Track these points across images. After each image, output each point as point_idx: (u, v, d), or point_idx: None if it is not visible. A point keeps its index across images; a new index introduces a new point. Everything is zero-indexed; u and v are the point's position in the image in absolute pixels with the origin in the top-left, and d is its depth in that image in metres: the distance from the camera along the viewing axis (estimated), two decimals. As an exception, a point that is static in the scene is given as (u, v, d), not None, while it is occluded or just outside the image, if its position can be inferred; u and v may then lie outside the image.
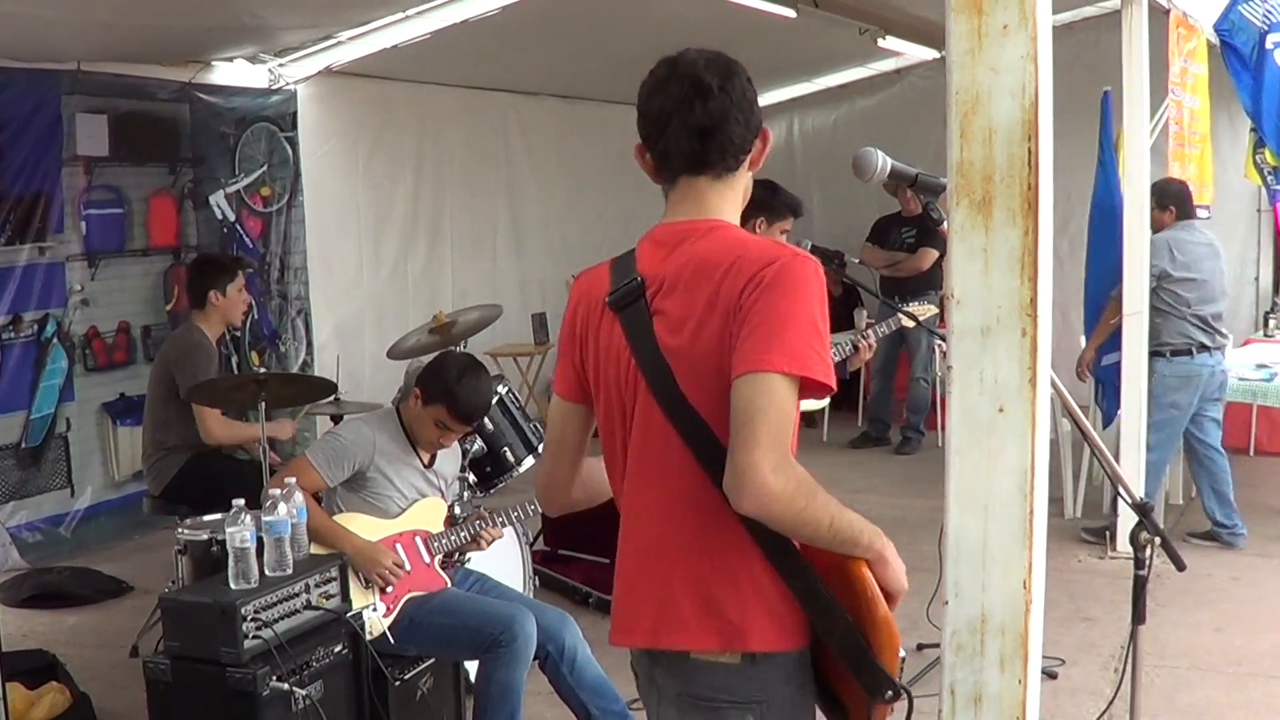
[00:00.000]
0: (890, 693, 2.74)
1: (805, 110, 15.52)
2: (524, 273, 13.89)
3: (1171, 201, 8.66)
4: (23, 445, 8.97)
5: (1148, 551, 3.75)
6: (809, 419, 12.11)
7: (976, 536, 2.49)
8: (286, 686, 4.62)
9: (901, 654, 2.76)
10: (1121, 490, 3.77)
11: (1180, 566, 3.84)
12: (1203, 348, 8.51)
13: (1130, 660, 3.88)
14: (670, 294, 2.83)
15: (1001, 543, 2.47)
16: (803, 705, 2.87)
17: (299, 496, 5.02)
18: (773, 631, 2.77)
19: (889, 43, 11.78)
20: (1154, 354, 8.46)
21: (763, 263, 2.71)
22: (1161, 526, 8.23)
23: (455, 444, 5.85)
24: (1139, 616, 3.78)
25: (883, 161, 3.43)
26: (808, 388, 2.66)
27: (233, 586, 4.70)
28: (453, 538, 5.56)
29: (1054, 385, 3.66)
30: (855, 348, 6.72)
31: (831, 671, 2.87)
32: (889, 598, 2.76)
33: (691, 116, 2.87)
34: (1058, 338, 10.49)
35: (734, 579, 2.76)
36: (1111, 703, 4.77)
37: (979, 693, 2.54)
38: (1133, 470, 8.13)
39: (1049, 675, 6.37)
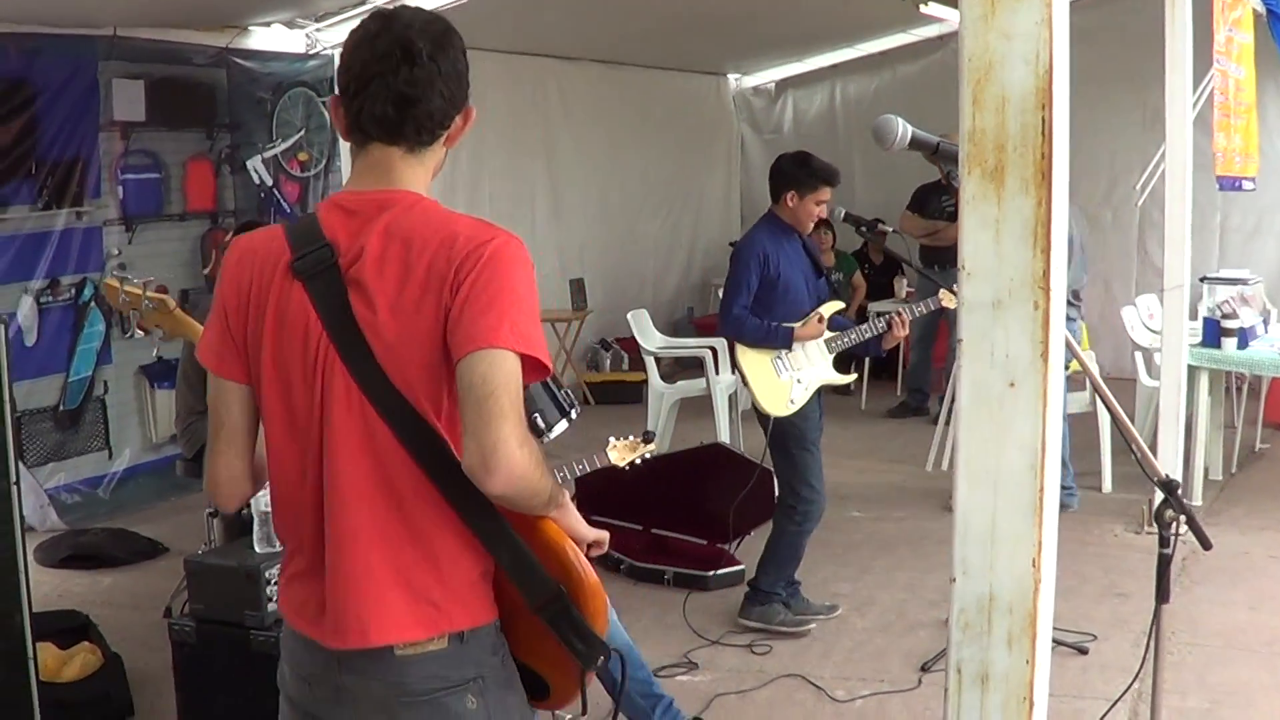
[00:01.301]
0: (603, 658, 2.74)
1: (847, 77, 15.44)
2: (562, 237, 13.89)
3: None
4: (61, 408, 9.03)
5: (1173, 530, 3.68)
6: (843, 389, 12.07)
7: (985, 513, 2.45)
8: (309, 651, 4.62)
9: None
10: (1146, 467, 3.71)
11: (1206, 546, 3.79)
12: (1069, 320, 8.54)
13: (1154, 639, 3.83)
14: (370, 266, 2.65)
15: (1011, 520, 2.43)
16: (513, 673, 2.84)
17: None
18: (474, 607, 2.73)
19: (931, 8, 11.68)
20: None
21: (478, 240, 2.61)
22: (1199, 504, 8.20)
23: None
24: (1163, 595, 3.73)
25: (903, 129, 3.38)
26: (527, 368, 2.58)
27: (257, 550, 4.70)
28: (481, 505, 5.52)
29: (1078, 358, 3.61)
30: (889, 324, 6.70)
31: (524, 648, 2.85)
32: (579, 544, 2.82)
33: (394, 81, 2.67)
34: (1100, 308, 10.53)
35: (435, 561, 2.68)
36: (1135, 679, 4.72)
37: (986, 671, 2.50)
38: (1170, 444, 8.06)
39: (1080, 650, 6.33)
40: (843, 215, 6.67)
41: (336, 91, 2.78)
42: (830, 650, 6.61)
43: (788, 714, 5.90)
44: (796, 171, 6.66)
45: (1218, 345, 8.79)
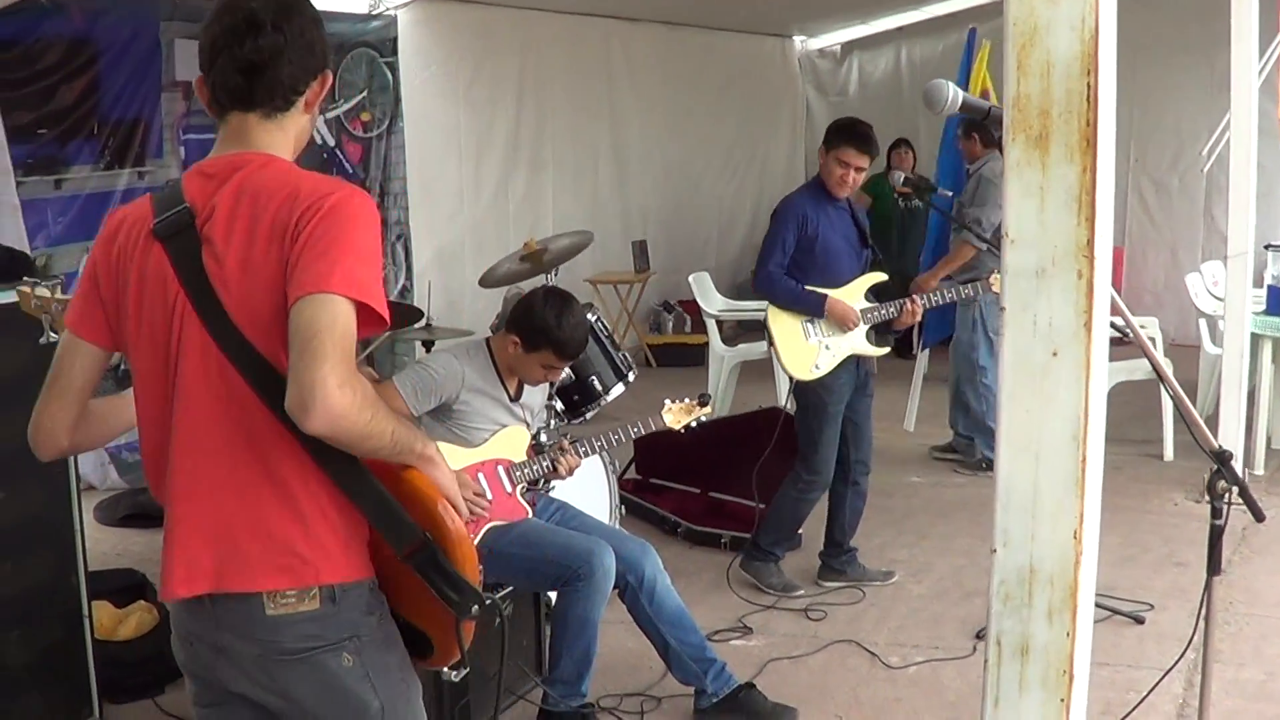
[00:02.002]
0: (477, 607, 2.77)
1: (913, 39, 15.34)
2: (625, 200, 13.89)
3: (975, 129, 8.74)
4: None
5: (1225, 500, 3.64)
6: (901, 351, 11.97)
7: (1027, 484, 2.42)
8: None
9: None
10: (1198, 437, 3.66)
11: (1259, 517, 3.74)
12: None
13: (1205, 610, 3.79)
14: (220, 224, 2.73)
15: (1053, 491, 2.40)
16: (391, 633, 2.90)
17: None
18: (343, 564, 2.77)
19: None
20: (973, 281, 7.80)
21: (321, 193, 2.69)
22: (1261, 473, 8.11)
23: (544, 375, 5.82)
24: (1215, 567, 3.68)
25: (953, 93, 3.33)
26: (365, 320, 2.64)
27: (307, 512, 4.71)
28: (534, 467, 5.52)
29: (1130, 325, 3.57)
30: (900, 309, 6.66)
31: (405, 606, 2.91)
32: (450, 500, 2.84)
33: (240, 51, 2.78)
34: (1166, 274, 10.50)
35: (297, 511, 2.73)
36: (1187, 649, 4.67)
37: (1026, 644, 2.47)
38: (1233, 410, 7.99)
39: (1136, 620, 6.27)
40: (901, 180, 6.62)
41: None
42: (885, 616, 6.59)
43: (841, 679, 5.89)
44: (828, 129, 6.67)
45: (1281, 313, 8.70)
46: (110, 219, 2.98)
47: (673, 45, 14.06)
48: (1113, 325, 3.67)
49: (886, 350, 6.96)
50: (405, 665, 2.94)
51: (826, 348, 6.63)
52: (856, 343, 6.69)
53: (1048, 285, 2.36)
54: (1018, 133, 2.36)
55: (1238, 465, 8.04)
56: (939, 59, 14.83)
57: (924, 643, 6.23)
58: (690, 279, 11.51)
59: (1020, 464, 2.43)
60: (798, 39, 16.06)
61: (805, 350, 6.63)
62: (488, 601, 2.80)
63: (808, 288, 6.60)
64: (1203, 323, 9.99)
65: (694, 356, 12.83)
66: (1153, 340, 9.20)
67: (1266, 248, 9.58)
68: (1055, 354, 2.37)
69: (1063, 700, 2.44)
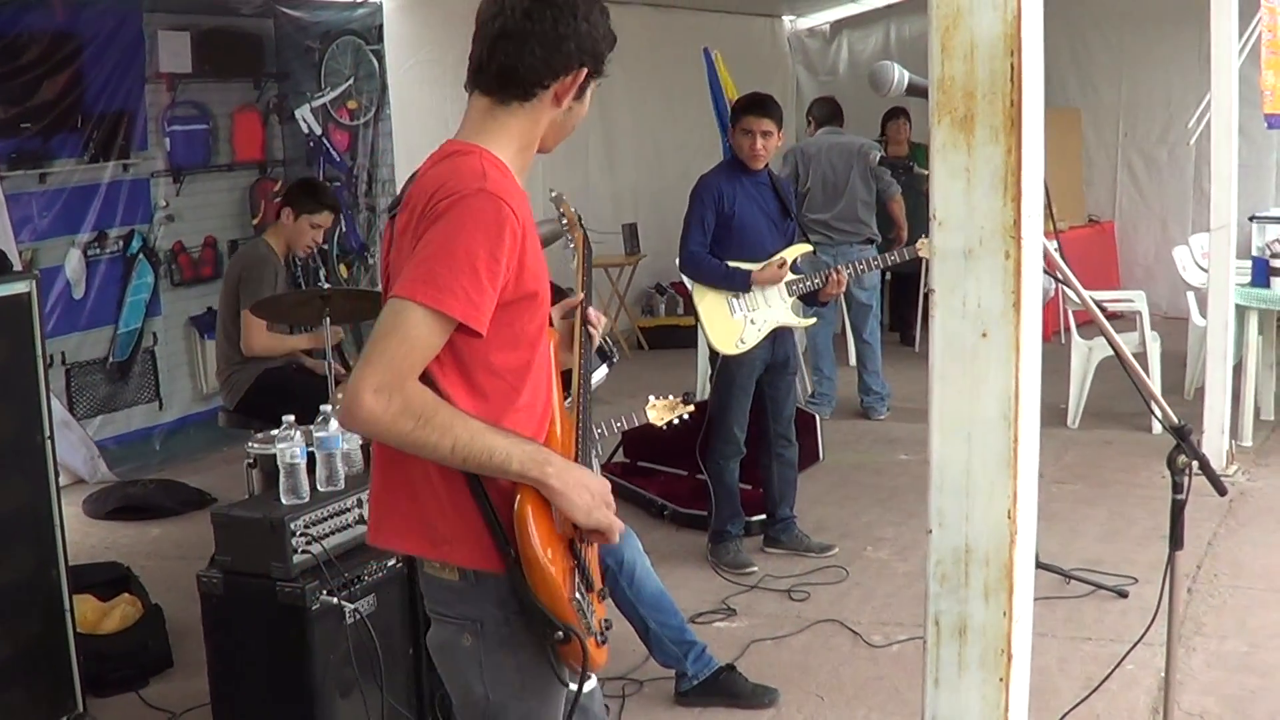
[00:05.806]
0: (559, 634, 2.74)
1: (902, 18, 15.30)
2: (616, 183, 13.89)
3: (811, 115, 10.56)
4: (110, 360, 9.13)
5: (1186, 475, 3.66)
6: (907, 337, 12.03)
7: (960, 464, 2.43)
8: (336, 601, 4.63)
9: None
10: (1156, 412, 3.67)
11: (1221, 492, 3.76)
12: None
13: (1168, 586, 3.81)
14: (400, 219, 2.79)
15: (985, 472, 2.41)
16: (518, 632, 2.82)
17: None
18: (475, 550, 2.78)
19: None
20: None
21: (442, 195, 2.65)
22: (1249, 445, 8.12)
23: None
24: (1176, 542, 3.70)
25: (898, 75, 3.35)
26: (464, 326, 2.64)
27: (284, 502, 4.70)
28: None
29: (1082, 298, 3.57)
30: (826, 280, 6.72)
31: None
32: (575, 529, 2.79)
33: (489, 33, 2.80)
34: (1156, 247, 10.49)
35: (434, 488, 2.79)
36: (1151, 623, 4.66)
37: (963, 624, 2.48)
38: (1218, 382, 8.01)
39: (1119, 594, 6.28)
40: (878, 159, 6.65)
41: None
42: (870, 595, 6.60)
43: (823, 659, 5.89)
44: (731, 108, 6.84)
45: (1267, 285, 8.63)
46: None
47: (661, 28, 14.01)
48: (1098, 304, 3.70)
49: (812, 321, 7.07)
50: (528, 672, 2.87)
51: (751, 322, 6.74)
52: (781, 315, 6.80)
53: (975, 266, 2.37)
54: (943, 115, 2.37)
55: (1224, 438, 8.09)
56: (927, 38, 14.77)
57: (908, 620, 6.22)
58: (677, 261, 11.52)
59: (952, 445, 2.43)
60: (787, 19, 16.01)
61: (731, 325, 6.73)
62: (569, 635, 2.75)
63: (730, 264, 6.69)
64: (1191, 295, 9.99)
65: (686, 338, 12.75)
66: (1139, 314, 9.22)
67: (1251, 219, 9.58)
68: (985, 335, 2.38)
69: (1001, 679, 2.45)
